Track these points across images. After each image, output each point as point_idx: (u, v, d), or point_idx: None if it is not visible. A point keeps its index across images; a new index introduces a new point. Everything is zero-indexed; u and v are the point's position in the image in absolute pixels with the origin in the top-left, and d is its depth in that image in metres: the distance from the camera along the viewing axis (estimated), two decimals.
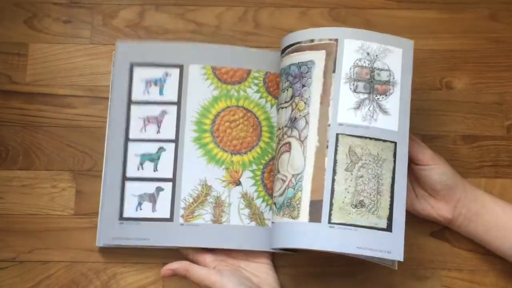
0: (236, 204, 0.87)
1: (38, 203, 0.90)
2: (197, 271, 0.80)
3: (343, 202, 0.78)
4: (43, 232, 0.89)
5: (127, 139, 0.89)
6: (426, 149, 0.84)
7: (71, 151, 0.92)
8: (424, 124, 0.94)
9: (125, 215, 0.86)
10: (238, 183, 0.87)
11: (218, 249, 0.85)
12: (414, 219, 0.87)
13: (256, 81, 0.91)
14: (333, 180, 0.79)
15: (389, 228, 0.78)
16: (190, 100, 0.90)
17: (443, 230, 0.89)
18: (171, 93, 0.90)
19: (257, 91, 0.91)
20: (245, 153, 0.88)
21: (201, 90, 0.90)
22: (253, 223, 0.86)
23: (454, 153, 0.93)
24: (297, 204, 0.79)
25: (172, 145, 0.89)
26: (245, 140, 0.89)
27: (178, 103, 0.90)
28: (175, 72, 0.91)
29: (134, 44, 0.93)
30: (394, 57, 0.82)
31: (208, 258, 0.84)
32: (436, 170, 0.83)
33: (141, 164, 0.88)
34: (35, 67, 0.95)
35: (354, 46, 0.82)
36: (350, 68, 0.81)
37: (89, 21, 0.97)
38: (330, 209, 0.78)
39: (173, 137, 0.89)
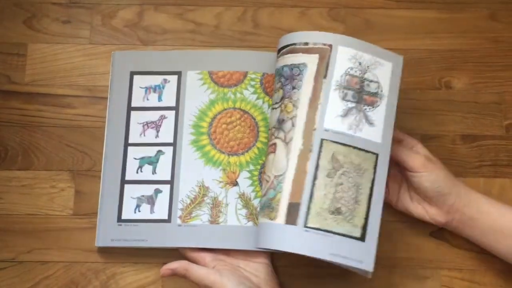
0: (233, 204, 0.87)
1: (37, 203, 0.90)
2: (196, 271, 0.80)
3: (321, 207, 0.78)
4: (42, 232, 0.89)
5: (126, 144, 0.90)
6: (418, 155, 0.83)
7: (70, 151, 0.92)
8: (423, 124, 0.94)
9: (124, 217, 0.87)
10: (235, 183, 0.87)
11: (217, 249, 0.85)
12: (413, 219, 0.87)
13: (252, 83, 0.91)
14: (313, 184, 0.79)
15: (362, 238, 0.78)
16: (188, 105, 0.91)
17: (443, 230, 0.89)
18: (169, 99, 0.91)
19: (254, 92, 0.91)
20: (242, 153, 0.89)
21: (198, 94, 0.91)
22: (250, 223, 0.86)
23: (453, 153, 0.93)
24: (275, 205, 0.79)
25: (171, 148, 0.89)
26: (242, 141, 0.89)
27: (176, 108, 0.91)
28: (174, 78, 0.92)
29: (131, 53, 0.95)
30: (384, 71, 0.82)
31: (207, 258, 0.84)
32: (427, 177, 0.82)
33: (140, 167, 0.89)
34: (34, 67, 0.95)
35: (347, 54, 0.82)
36: (341, 76, 0.81)
37: (88, 21, 0.97)
38: (307, 213, 0.78)
39: (171, 140, 0.90)
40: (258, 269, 0.84)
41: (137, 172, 0.89)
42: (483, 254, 0.87)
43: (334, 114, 0.80)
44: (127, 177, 0.89)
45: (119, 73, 0.93)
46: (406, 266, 0.89)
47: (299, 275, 0.89)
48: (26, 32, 0.96)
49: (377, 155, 0.80)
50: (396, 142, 0.86)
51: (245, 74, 0.92)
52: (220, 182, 0.88)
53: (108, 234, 0.87)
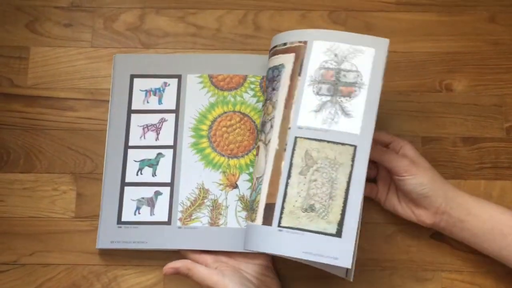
0: (233, 207, 0.87)
1: (39, 206, 0.90)
2: (199, 270, 0.80)
3: (293, 205, 0.77)
4: (44, 234, 0.89)
5: (126, 146, 0.90)
6: (401, 160, 0.83)
7: (72, 154, 0.92)
8: (423, 126, 0.94)
9: (124, 219, 0.87)
10: (235, 186, 0.88)
11: (218, 251, 0.86)
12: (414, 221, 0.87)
13: (252, 86, 0.91)
14: (287, 183, 0.78)
15: (338, 234, 0.76)
16: (188, 108, 0.91)
17: None
18: (169, 102, 0.92)
19: (254, 96, 0.91)
20: (242, 156, 0.89)
21: (198, 97, 0.92)
22: None
23: (453, 155, 0.93)
24: (256, 207, 0.79)
25: (171, 151, 0.90)
26: (242, 144, 0.89)
27: (176, 111, 0.91)
28: (174, 82, 0.92)
29: (132, 56, 0.95)
30: (365, 58, 0.80)
31: (208, 259, 0.84)
32: (411, 181, 0.82)
33: (140, 169, 0.89)
34: (36, 70, 0.95)
35: (322, 48, 0.81)
36: (316, 70, 0.80)
37: (90, 24, 0.98)
38: (281, 213, 0.77)
39: (171, 143, 0.90)
40: (259, 271, 0.84)
41: (137, 175, 0.89)
42: (483, 256, 0.87)
43: (308, 110, 0.79)
44: (127, 179, 0.89)
45: (120, 76, 0.93)
46: (407, 268, 0.89)
47: (300, 277, 0.89)
48: (28, 36, 0.97)
49: (355, 147, 0.78)
50: (382, 146, 0.86)
51: (244, 78, 0.92)
52: (220, 184, 0.88)
53: (108, 236, 0.87)
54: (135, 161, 0.90)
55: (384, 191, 0.88)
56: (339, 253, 0.75)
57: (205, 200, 0.87)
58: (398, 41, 0.97)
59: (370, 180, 0.88)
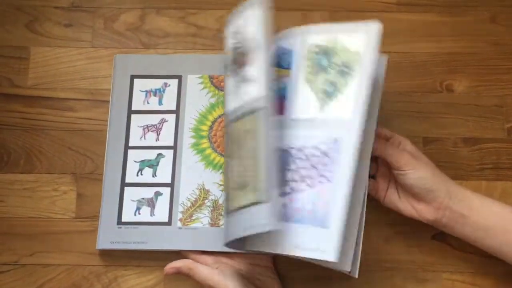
0: None
1: (39, 206, 0.90)
2: (200, 270, 0.80)
3: (233, 188, 0.78)
4: (44, 235, 0.89)
5: (127, 147, 0.90)
6: (402, 153, 0.82)
7: (73, 154, 0.92)
8: (424, 127, 0.94)
9: (124, 219, 0.87)
10: None
11: (218, 252, 0.85)
12: (415, 222, 0.86)
13: None
14: (227, 171, 0.80)
15: (267, 200, 0.73)
16: (188, 108, 0.91)
17: (445, 233, 0.88)
18: (170, 103, 0.92)
19: None
20: None
21: (198, 98, 0.92)
22: None
23: (454, 156, 0.93)
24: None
25: (171, 151, 0.90)
26: None
27: (177, 111, 0.91)
28: (174, 82, 0.92)
29: (133, 56, 0.95)
30: (250, 19, 0.81)
31: (209, 260, 0.84)
32: (412, 175, 0.81)
33: (141, 170, 0.89)
34: (36, 70, 0.95)
35: (231, 35, 0.83)
36: (228, 59, 0.83)
37: (90, 24, 0.98)
38: (227, 199, 0.79)
39: (171, 143, 0.90)
40: (259, 271, 0.84)
41: (137, 175, 0.89)
42: (485, 257, 0.87)
43: (230, 98, 0.82)
44: (127, 180, 0.89)
45: (120, 77, 0.93)
46: (408, 269, 0.89)
47: (300, 277, 0.89)
48: (28, 36, 0.97)
49: (258, 108, 0.77)
50: (384, 140, 0.86)
51: None
52: (221, 185, 0.88)
53: (108, 237, 0.87)
54: (135, 161, 0.90)
55: (384, 189, 0.87)
56: (267, 219, 0.72)
57: (206, 201, 0.87)
58: (399, 42, 0.97)
59: (370, 177, 0.88)
